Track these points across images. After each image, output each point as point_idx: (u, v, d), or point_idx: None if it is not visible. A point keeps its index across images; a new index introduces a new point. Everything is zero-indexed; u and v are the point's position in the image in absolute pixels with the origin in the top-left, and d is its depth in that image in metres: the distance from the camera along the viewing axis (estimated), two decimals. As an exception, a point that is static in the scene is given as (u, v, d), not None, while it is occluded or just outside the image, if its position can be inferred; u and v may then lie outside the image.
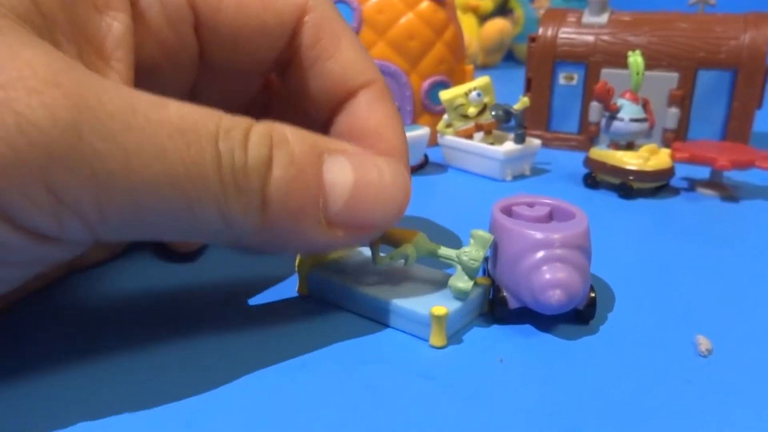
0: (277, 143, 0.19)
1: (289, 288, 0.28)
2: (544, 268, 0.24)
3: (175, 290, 0.28)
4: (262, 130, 0.19)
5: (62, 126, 0.16)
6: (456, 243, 0.34)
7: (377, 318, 0.26)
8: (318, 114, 0.27)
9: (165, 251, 0.32)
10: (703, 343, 0.24)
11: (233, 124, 0.19)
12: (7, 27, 0.17)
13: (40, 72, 0.16)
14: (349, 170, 0.21)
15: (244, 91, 0.30)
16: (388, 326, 0.25)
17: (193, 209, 0.18)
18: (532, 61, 0.56)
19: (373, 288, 0.26)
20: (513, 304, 0.25)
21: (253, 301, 0.27)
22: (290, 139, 0.20)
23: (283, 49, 0.26)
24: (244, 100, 0.30)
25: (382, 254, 0.26)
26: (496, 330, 0.25)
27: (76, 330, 0.25)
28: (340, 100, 0.26)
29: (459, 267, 0.25)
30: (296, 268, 0.28)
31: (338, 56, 0.25)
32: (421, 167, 0.49)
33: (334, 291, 0.27)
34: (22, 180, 0.16)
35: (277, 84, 0.31)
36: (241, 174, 0.18)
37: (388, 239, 0.26)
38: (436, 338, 0.24)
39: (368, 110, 0.25)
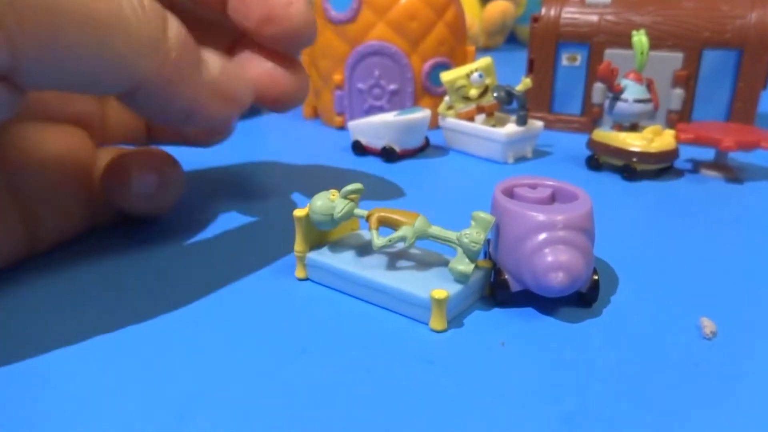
0: (167, 15, 0.22)
1: (287, 272, 0.28)
2: (547, 250, 0.24)
3: (172, 275, 0.28)
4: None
5: None
6: (457, 225, 0.34)
7: (377, 302, 0.25)
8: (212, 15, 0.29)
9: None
10: (708, 325, 0.24)
11: None
12: None
13: None
14: (215, 54, 0.25)
15: None
16: (387, 310, 0.25)
17: (103, 28, 0.20)
18: (535, 41, 0.56)
19: (372, 271, 0.26)
20: (514, 287, 0.25)
21: (252, 285, 0.27)
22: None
23: None
24: None
25: (381, 237, 0.25)
26: (497, 313, 0.25)
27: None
28: None
29: (460, 249, 0.25)
30: (295, 252, 0.27)
31: None
32: (422, 150, 0.48)
33: (332, 275, 0.27)
34: None
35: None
36: (140, 10, 0.21)
37: (387, 222, 0.26)
38: (437, 322, 0.24)
39: None
